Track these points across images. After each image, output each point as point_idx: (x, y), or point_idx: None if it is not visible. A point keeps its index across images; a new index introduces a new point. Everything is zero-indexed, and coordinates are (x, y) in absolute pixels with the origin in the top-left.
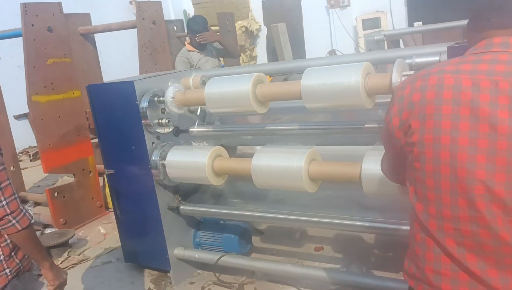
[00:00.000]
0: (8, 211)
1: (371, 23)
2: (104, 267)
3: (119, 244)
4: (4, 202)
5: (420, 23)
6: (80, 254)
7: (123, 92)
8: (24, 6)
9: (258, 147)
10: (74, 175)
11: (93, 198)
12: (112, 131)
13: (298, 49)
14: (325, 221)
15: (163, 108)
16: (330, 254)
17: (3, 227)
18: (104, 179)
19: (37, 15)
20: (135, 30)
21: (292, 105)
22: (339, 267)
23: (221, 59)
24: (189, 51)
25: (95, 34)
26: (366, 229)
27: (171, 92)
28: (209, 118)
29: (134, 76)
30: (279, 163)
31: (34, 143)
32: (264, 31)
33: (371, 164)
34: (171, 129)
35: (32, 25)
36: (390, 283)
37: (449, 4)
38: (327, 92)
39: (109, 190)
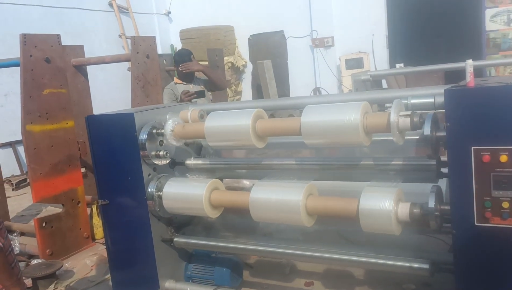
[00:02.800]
0: None
1: (354, 63)
2: None
3: (107, 276)
4: None
5: (402, 64)
6: (67, 286)
7: (122, 123)
8: (24, 36)
9: (245, 181)
10: (63, 205)
11: (80, 229)
12: (108, 161)
13: (283, 86)
14: (317, 256)
15: (161, 140)
16: None
17: None
18: (91, 209)
19: (35, 46)
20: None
21: (287, 140)
22: None
23: (211, 93)
24: (176, 84)
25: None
26: (356, 263)
27: (171, 125)
28: (204, 151)
29: (133, 108)
30: (277, 197)
31: (17, 172)
32: (249, 67)
33: (369, 200)
34: (168, 161)
35: (31, 55)
36: None
37: (427, 47)
38: (327, 129)
39: (101, 221)
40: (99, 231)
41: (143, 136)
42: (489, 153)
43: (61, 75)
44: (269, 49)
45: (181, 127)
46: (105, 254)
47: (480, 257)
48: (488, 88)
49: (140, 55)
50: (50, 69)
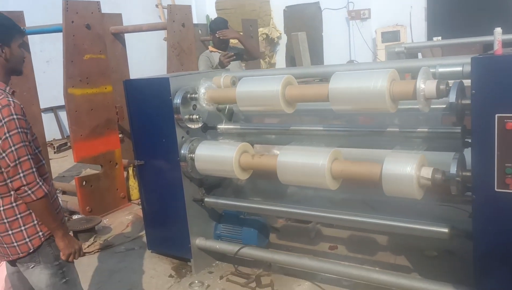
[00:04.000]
0: (25, 183)
1: (391, 36)
2: (127, 253)
3: (142, 233)
4: (21, 174)
5: (440, 38)
6: (105, 240)
7: (158, 87)
8: (66, 3)
9: (275, 150)
10: (101, 166)
11: (117, 189)
12: (144, 124)
13: (317, 58)
14: (340, 218)
15: (194, 105)
16: (344, 253)
17: (20, 196)
18: (127, 172)
19: (77, 13)
20: (158, 32)
21: (316, 107)
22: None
23: (243, 64)
24: (211, 52)
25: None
26: (378, 226)
27: (204, 89)
28: (235, 117)
29: (167, 74)
30: (303, 161)
31: (58, 136)
32: (284, 39)
33: (392, 165)
34: (200, 125)
35: (72, 21)
36: (403, 280)
37: (468, 20)
38: (354, 95)
39: (137, 181)
40: (134, 192)
41: (177, 100)
42: None
43: (101, 42)
44: (304, 21)
45: (214, 92)
46: (140, 214)
47: (499, 222)
48: None
49: (176, 24)
50: (90, 35)
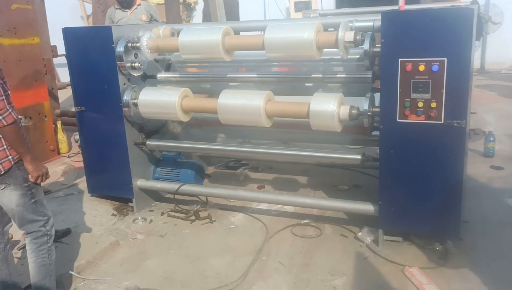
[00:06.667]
0: None
1: (303, 5)
2: (66, 198)
3: (78, 181)
4: None
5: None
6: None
7: (100, 36)
8: None
9: None
10: (30, 117)
11: (47, 142)
12: (85, 72)
13: None
14: (273, 152)
15: (135, 53)
16: (271, 191)
17: None
18: (56, 126)
19: None
20: None
21: (251, 58)
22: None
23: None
24: (116, 9)
25: None
26: (304, 157)
27: (146, 38)
28: (172, 67)
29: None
30: (242, 102)
31: None
32: (201, 4)
33: (317, 103)
34: (141, 73)
35: None
36: (323, 201)
37: None
38: (286, 44)
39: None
40: (63, 146)
41: (120, 48)
42: (411, 63)
43: None
44: None
45: (157, 40)
46: (74, 164)
47: (399, 146)
48: (413, 11)
49: None
50: None
